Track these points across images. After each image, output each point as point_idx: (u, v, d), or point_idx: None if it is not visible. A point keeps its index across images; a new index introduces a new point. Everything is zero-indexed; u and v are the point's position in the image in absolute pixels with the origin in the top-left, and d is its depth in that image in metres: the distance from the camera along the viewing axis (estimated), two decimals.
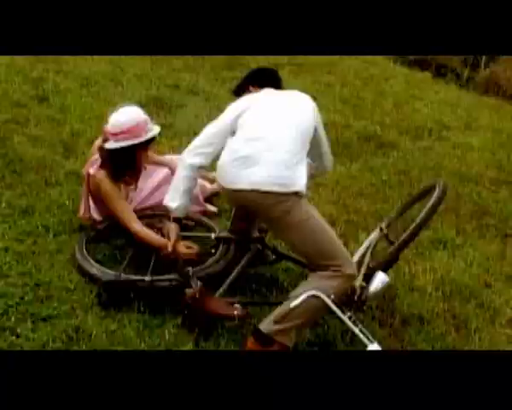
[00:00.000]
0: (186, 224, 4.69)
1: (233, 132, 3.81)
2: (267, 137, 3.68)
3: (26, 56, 7.43)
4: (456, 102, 8.86)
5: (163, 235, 4.22)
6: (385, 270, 3.84)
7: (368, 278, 3.85)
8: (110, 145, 4.28)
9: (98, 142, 4.49)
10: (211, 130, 3.90)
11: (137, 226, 4.28)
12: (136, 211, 4.52)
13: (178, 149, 5.72)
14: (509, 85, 9.81)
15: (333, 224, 5.20)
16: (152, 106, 6.71)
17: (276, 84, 4.22)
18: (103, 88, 7.01)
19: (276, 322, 3.54)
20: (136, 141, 4.28)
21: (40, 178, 5.16)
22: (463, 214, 5.74)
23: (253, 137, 3.70)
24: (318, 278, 3.59)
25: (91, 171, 4.39)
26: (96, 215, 4.62)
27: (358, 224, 5.27)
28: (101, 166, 4.37)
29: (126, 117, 4.29)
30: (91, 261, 4.11)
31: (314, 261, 3.65)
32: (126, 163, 4.40)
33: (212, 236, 4.38)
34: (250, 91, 4.14)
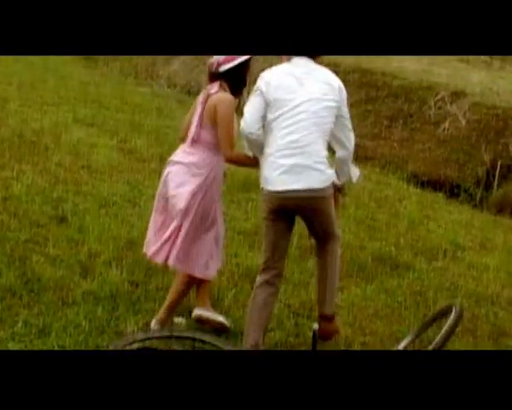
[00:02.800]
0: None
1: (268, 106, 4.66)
2: (300, 144, 4.57)
3: (47, 177, 7.61)
4: (470, 222, 8.90)
5: None
6: None
7: None
8: (228, 66, 4.98)
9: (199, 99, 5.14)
10: (253, 105, 4.71)
11: (235, 154, 4.97)
12: None
13: None
14: None
15: (349, 346, 5.19)
16: None
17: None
18: (121, 209, 7.13)
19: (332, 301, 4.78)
20: (246, 57, 5.00)
21: (57, 298, 5.20)
22: (480, 335, 5.69)
23: (291, 148, 4.58)
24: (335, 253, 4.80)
25: (212, 91, 4.98)
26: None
27: (374, 346, 5.24)
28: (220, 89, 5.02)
29: None
30: None
31: (331, 232, 4.75)
32: (242, 78, 5.09)
33: None
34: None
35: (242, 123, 4.71)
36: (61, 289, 5.33)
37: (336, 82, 4.75)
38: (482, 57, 15.37)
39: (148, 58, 14.99)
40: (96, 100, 11.66)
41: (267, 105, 4.65)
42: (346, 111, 4.76)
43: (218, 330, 5.05)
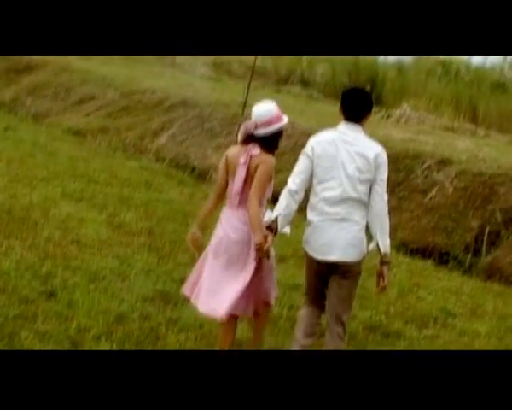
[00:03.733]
0: None
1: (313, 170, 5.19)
2: (342, 217, 5.15)
3: (36, 252, 7.60)
4: (459, 289, 8.89)
5: None
6: None
7: None
8: (267, 130, 5.28)
9: (232, 152, 5.43)
10: (300, 168, 5.22)
11: (256, 208, 5.17)
12: None
13: (184, 344, 5.75)
14: None
15: None
16: (159, 300, 6.78)
17: (356, 114, 5.21)
18: (110, 283, 7.10)
19: None
20: (283, 122, 5.36)
21: None
22: None
23: (332, 220, 5.15)
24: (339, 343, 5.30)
25: (254, 152, 5.25)
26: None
27: None
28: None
29: (269, 107, 5.36)
30: None
31: (345, 313, 5.36)
32: (276, 142, 5.40)
33: None
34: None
35: (290, 182, 5.20)
36: None
37: (374, 152, 5.12)
38: (467, 125, 15.60)
39: (137, 132, 15.10)
40: (84, 174, 11.71)
41: (313, 168, 5.17)
42: (380, 175, 5.15)
43: None
